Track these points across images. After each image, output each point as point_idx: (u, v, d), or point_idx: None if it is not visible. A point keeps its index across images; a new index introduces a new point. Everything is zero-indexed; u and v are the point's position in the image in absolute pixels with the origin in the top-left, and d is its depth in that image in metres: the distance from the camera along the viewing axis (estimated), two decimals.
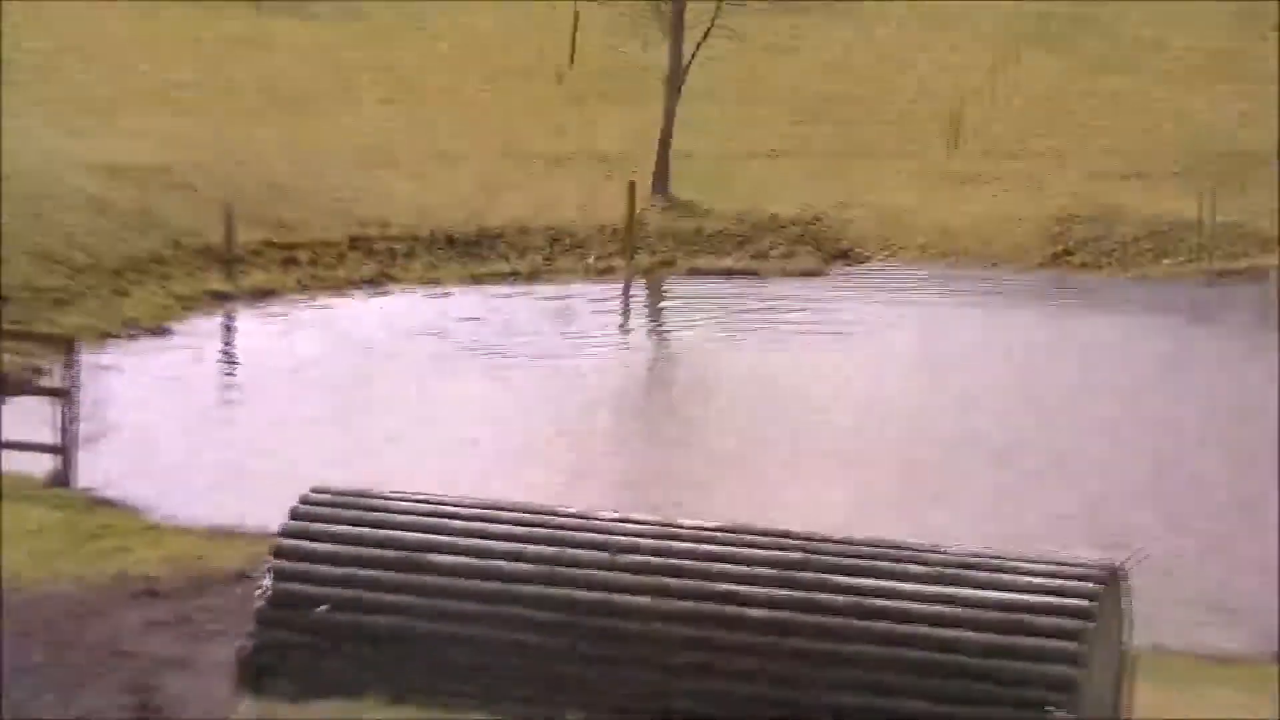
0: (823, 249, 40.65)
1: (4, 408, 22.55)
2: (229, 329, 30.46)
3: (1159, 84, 65.48)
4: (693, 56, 43.58)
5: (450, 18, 64.99)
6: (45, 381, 22.71)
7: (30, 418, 21.18)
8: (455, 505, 11.67)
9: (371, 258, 35.16)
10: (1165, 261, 42.22)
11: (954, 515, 19.55)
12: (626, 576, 11.00)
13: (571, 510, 11.52)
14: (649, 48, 44.51)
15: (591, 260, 37.67)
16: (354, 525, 11.50)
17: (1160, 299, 39.30)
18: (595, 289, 36.37)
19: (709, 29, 43.33)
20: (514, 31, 58.00)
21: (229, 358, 29.19)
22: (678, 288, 37.47)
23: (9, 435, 20.42)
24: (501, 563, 11.11)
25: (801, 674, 10.58)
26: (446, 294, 34.09)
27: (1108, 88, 64.56)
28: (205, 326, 30.33)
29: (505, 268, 36.08)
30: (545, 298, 34.77)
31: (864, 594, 10.73)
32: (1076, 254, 42.31)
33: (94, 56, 50.54)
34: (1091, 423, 27.06)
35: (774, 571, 10.93)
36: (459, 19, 64.32)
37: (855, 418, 26.38)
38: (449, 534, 11.37)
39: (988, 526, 19.58)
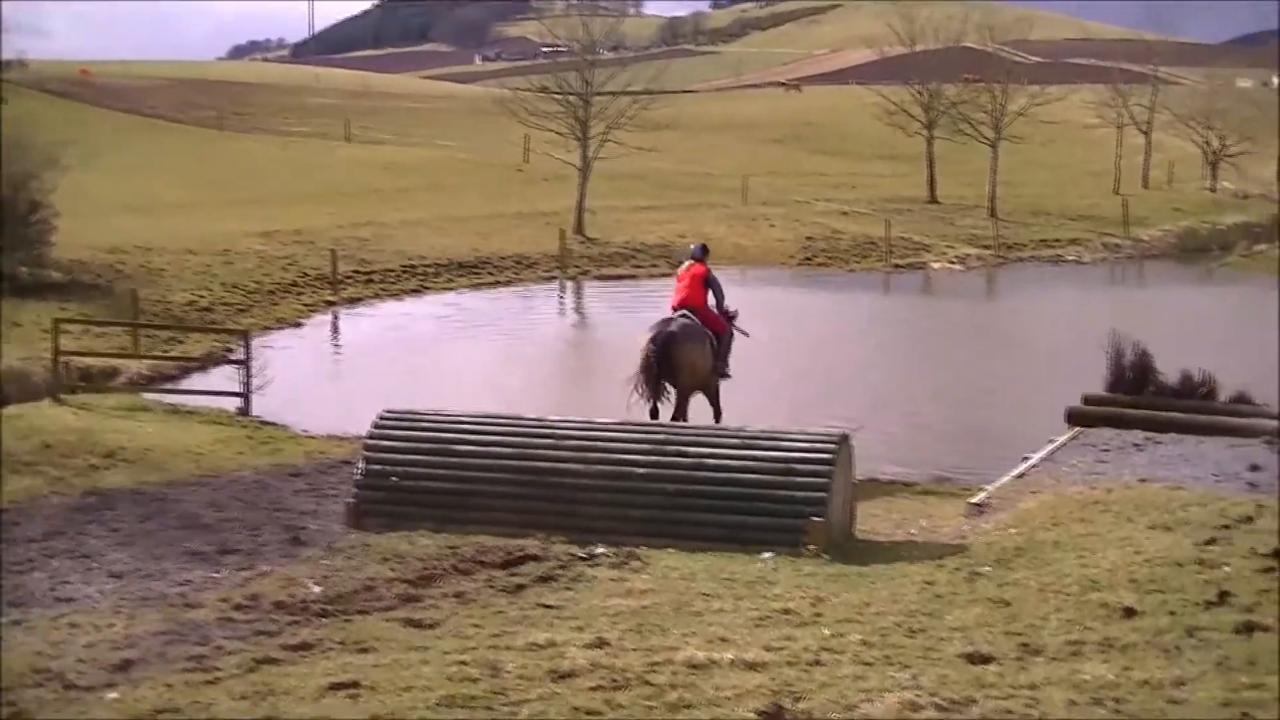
0: (671, 262, 40.57)
1: (211, 373, 22.31)
2: (335, 321, 30.00)
3: (851, 163, 66.00)
4: (594, 156, 43.39)
5: (459, 138, 64.44)
6: (233, 357, 22.27)
7: (225, 378, 20.92)
8: (466, 416, 11.47)
9: (415, 277, 34.70)
10: (866, 261, 42.62)
11: (747, 395, 19.04)
12: (566, 451, 10.85)
13: (532, 416, 11.32)
14: (569, 152, 44.22)
15: (541, 273, 37.43)
16: (409, 430, 11.31)
17: (863, 282, 39.80)
18: (544, 289, 36.10)
19: (603, 140, 43.21)
20: (492, 146, 57.65)
21: (335, 338, 28.76)
22: (589, 286, 37.12)
23: (216, 387, 20.46)
24: (494, 447, 10.94)
25: (666, 502, 10.48)
26: (459, 295, 33.74)
27: (826, 165, 64.99)
28: (322, 320, 29.82)
29: (491, 279, 35.74)
30: (515, 295, 34.53)
31: (701, 455, 10.62)
32: (815, 259, 42.59)
33: (248, 174, 49.79)
34: (825, 347, 27.11)
35: (649, 445, 10.81)
36: (462, 139, 63.79)
37: None
38: (463, 432, 11.18)
39: (762, 399, 19.46)
